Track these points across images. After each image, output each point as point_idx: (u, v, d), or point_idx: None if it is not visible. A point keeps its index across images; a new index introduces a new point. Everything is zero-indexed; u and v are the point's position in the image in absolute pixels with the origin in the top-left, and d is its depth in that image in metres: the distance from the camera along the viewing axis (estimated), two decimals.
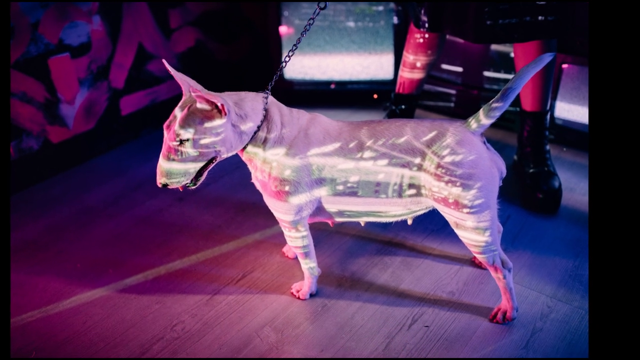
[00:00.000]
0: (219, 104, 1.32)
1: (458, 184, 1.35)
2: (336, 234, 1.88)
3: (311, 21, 1.49)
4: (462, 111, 2.53)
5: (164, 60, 1.38)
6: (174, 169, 1.35)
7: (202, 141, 1.33)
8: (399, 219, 1.51)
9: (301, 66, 2.66)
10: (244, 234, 1.90)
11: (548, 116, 2.01)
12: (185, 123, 1.32)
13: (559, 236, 1.84)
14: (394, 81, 2.59)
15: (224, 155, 1.40)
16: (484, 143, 1.41)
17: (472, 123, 1.39)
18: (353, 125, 1.45)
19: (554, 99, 2.29)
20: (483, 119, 1.38)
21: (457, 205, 1.38)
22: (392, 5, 2.53)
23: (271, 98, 1.45)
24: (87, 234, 1.92)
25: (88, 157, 2.36)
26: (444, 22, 1.88)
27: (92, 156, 2.37)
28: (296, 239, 1.53)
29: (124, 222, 1.97)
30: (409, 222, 1.53)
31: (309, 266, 1.59)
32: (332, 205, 1.47)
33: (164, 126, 1.36)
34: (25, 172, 2.16)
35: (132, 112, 2.45)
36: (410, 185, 1.41)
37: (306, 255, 1.56)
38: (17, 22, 1.99)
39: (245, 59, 2.81)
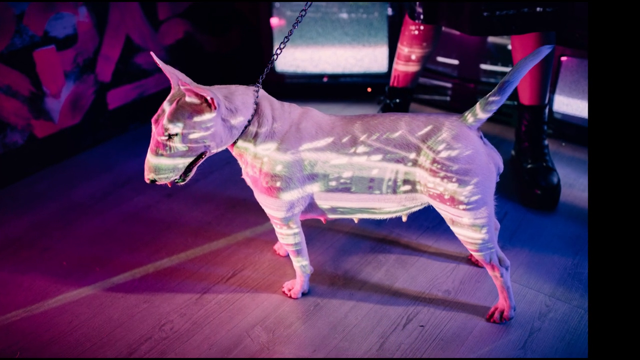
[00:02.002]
0: (208, 98, 1.32)
1: (454, 179, 1.34)
2: (329, 231, 1.86)
3: (303, 12, 1.48)
4: (458, 105, 2.53)
5: (152, 53, 1.38)
6: (163, 165, 1.34)
7: (191, 136, 1.33)
8: (393, 215, 1.50)
9: (293, 59, 2.64)
10: (234, 231, 1.88)
11: (546, 110, 2.01)
12: (173, 117, 1.32)
13: (557, 233, 1.83)
14: (388, 74, 2.58)
15: (214, 151, 1.40)
16: (481, 138, 1.40)
17: (469, 117, 1.38)
18: (346, 120, 1.44)
19: (553, 92, 2.29)
20: (480, 113, 1.37)
21: (453, 201, 1.36)
22: None
23: (262, 91, 1.44)
24: (73, 231, 1.90)
25: (74, 152, 2.34)
26: (440, 13, 1.87)
27: (79, 151, 2.36)
28: (288, 237, 1.52)
29: (111, 219, 1.95)
30: (404, 218, 1.52)
31: (301, 264, 1.57)
32: (325, 202, 1.46)
33: (152, 120, 1.35)
34: (9, 167, 2.14)
35: (120, 106, 2.45)
36: (405, 181, 1.40)
37: (298, 253, 1.55)
38: (2, 14, 1.98)
39: (236, 52, 2.80)
